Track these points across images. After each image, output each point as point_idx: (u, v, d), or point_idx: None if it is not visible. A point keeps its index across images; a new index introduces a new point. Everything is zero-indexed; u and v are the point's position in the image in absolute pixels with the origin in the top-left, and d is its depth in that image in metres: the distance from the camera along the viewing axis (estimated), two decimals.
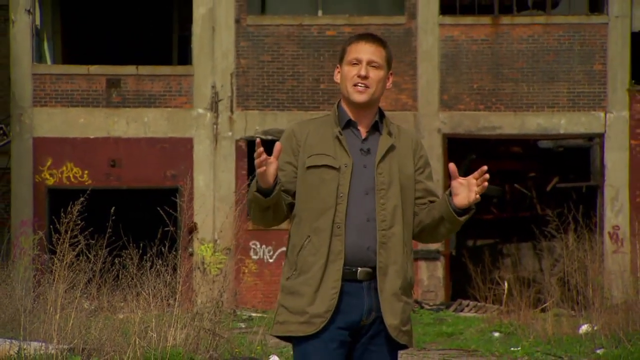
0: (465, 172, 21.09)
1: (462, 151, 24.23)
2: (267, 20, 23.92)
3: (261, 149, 4.40)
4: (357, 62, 4.65)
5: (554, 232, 18.21)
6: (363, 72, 4.62)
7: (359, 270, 4.56)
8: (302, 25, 23.67)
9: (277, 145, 4.47)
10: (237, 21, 23.72)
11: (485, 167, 4.51)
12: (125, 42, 27.84)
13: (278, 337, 4.71)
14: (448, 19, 23.80)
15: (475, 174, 4.53)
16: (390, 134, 4.70)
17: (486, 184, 4.51)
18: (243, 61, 23.70)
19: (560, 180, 25.00)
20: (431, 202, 4.73)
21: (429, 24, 23.70)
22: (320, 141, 4.64)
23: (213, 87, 23.62)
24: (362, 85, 4.62)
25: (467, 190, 4.52)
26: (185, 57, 25.85)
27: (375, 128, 4.70)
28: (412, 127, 23.26)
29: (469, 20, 23.87)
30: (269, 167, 4.42)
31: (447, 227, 4.66)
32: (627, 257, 21.71)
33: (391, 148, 4.65)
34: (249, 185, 4.76)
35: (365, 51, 4.65)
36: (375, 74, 4.64)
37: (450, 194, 4.58)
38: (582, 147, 24.24)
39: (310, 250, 4.58)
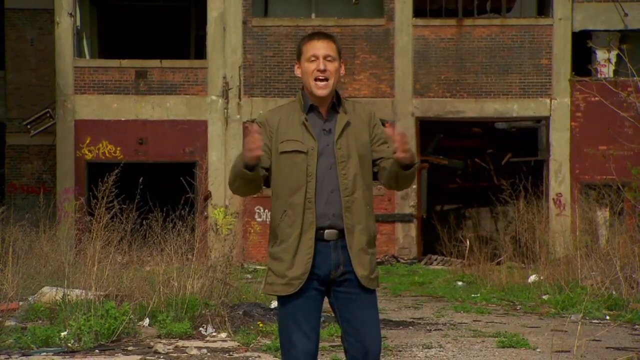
0: (434, 149, 20.90)
1: (432, 131, 24.22)
2: (269, 22, 23.82)
3: (260, 132, 4.45)
4: (315, 58, 4.59)
5: (508, 199, 18.25)
6: (322, 66, 4.56)
7: (325, 232, 4.54)
8: (299, 26, 23.58)
9: (255, 127, 4.50)
10: (244, 22, 23.62)
11: (404, 133, 4.45)
12: (151, 40, 27.75)
13: (268, 294, 4.73)
14: (420, 21, 23.72)
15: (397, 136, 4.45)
16: (346, 112, 4.66)
17: (407, 146, 4.42)
18: (249, 56, 23.61)
19: (513, 156, 24.98)
20: (387, 158, 4.68)
21: (404, 25, 23.63)
22: (289, 128, 4.60)
23: (224, 78, 23.54)
24: (323, 78, 4.58)
25: (401, 146, 4.41)
26: (201, 53, 25.76)
27: (333, 109, 4.67)
28: (390, 111, 23.24)
29: (437, 22, 23.79)
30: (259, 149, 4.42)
31: (402, 179, 4.62)
32: (568, 220, 21.76)
33: (347, 125, 4.61)
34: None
35: (319, 47, 4.60)
36: (331, 66, 4.59)
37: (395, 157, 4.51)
38: (532, 128, 24.23)
39: (287, 222, 4.56)
